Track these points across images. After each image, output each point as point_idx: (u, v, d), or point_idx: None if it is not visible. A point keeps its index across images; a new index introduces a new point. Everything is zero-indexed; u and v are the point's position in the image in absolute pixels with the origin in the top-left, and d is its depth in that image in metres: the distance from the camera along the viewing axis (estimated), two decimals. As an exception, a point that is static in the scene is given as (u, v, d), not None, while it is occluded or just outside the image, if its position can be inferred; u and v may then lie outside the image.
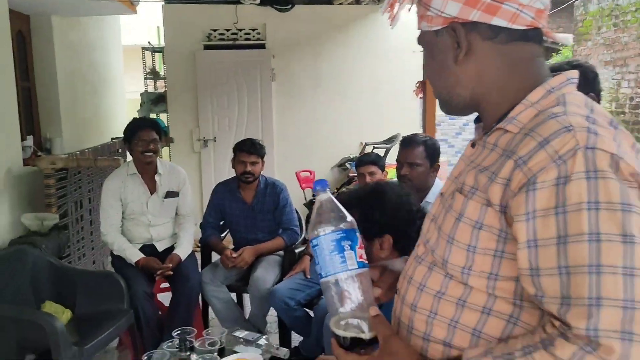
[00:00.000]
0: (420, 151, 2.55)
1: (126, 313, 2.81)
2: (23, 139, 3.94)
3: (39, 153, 4.23)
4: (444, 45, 0.91)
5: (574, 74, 0.90)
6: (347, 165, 5.68)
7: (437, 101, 1.00)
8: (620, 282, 0.70)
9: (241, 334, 2.12)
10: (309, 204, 5.34)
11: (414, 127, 5.39)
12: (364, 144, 5.84)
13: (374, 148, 5.47)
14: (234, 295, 3.34)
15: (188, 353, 1.97)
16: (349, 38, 5.99)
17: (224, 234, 3.59)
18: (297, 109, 6.05)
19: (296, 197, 5.24)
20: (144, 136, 3.14)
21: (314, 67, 6.01)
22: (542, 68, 0.90)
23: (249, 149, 3.24)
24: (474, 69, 0.90)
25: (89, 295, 2.91)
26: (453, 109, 0.96)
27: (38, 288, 2.89)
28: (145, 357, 1.93)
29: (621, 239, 0.71)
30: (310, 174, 5.76)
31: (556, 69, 1.73)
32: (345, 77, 6.02)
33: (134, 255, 3.08)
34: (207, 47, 5.88)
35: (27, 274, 2.87)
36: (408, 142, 2.58)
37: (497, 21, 0.86)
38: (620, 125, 0.83)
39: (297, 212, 3.47)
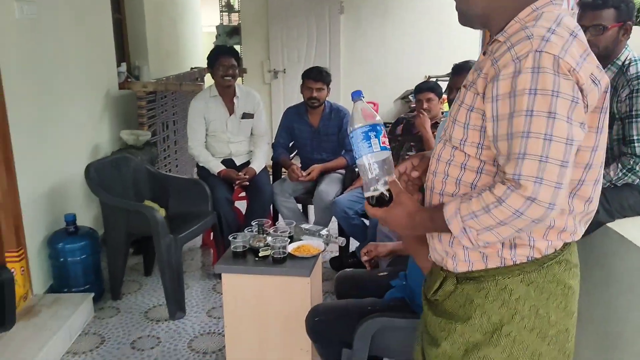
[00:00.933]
0: None
1: (210, 214, 3.31)
2: (117, 65, 4.44)
3: (130, 78, 4.74)
4: None
5: None
6: (410, 97, 5.88)
7: None
8: (541, 144, 0.99)
9: (306, 226, 2.54)
10: (371, 134, 5.63)
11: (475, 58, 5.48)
12: (427, 76, 6.00)
13: (437, 80, 5.63)
14: (300, 207, 3.78)
15: (264, 235, 2.42)
16: (418, -29, 6.03)
17: (292, 155, 4.00)
18: (364, 42, 6.25)
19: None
20: (224, 62, 3.53)
21: (382, 1, 6.14)
22: None
23: (315, 76, 3.58)
24: None
25: (179, 199, 3.43)
26: (467, 20, 1.22)
27: (139, 189, 3.43)
28: (231, 237, 2.40)
29: (547, 115, 0.99)
30: (374, 105, 6.03)
31: None
32: (412, 9, 6.11)
33: (216, 166, 3.56)
34: (278, -19, 6.12)
35: (130, 177, 3.41)
36: (459, 69, 2.81)
37: None
38: (582, 36, 1.09)
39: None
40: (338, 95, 6.17)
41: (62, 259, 3.02)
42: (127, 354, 2.66)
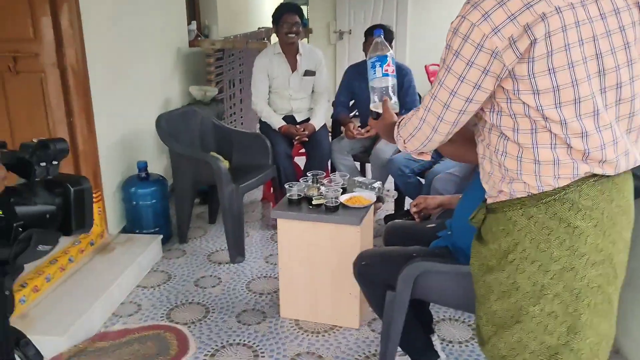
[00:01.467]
0: None
1: (270, 167, 3.46)
2: (188, 24, 4.62)
3: (200, 36, 4.92)
4: None
5: None
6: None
7: None
8: (436, 86, 1.25)
9: (359, 179, 2.63)
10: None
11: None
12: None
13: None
14: (357, 165, 3.86)
15: (318, 185, 2.52)
16: None
17: (352, 114, 4.06)
18: (430, 5, 6.12)
19: (425, 90, 5.52)
20: (288, 19, 3.61)
21: (452, -41, 5.96)
22: None
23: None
24: None
25: (241, 152, 3.59)
26: None
27: (205, 141, 3.63)
28: (287, 185, 2.52)
29: (446, 68, 1.21)
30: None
31: None
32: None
33: (277, 122, 3.69)
34: (347, -60, 6.07)
35: (197, 129, 3.61)
36: None
37: None
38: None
39: (419, 95, 3.81)
40: (404, 56, 6.15)
41: (134, 202, 3.27)
42: (190, 290, 2.89)
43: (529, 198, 1.21)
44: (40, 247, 0.91)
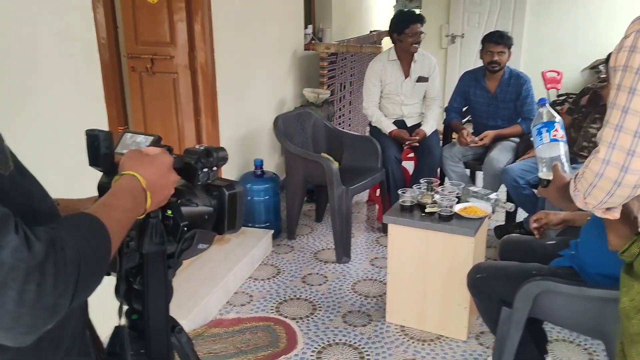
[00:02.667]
0: None
1: (379, 170, 3.48)
2: (304, 27, 4.77)
3: (314, 40, 5.06)
4: None
5: None
6: (600, 67, 5.38)
7: None
8: (619, 115, 1.09)
9: (475, 188, 2.58)
10: (552, 105, 5.31)
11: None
12: (624, 46, 5.41)
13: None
14: (468, 172, 3.78)
15: (432, 193, 2.51)
16: None
17: (465, 120, 3.98)
18: (553, 7, 5.82)
19: (540, 96, 5.27)
20: (415, 29, 3.61)
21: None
22: None
23: (497, 40, 3.49)
24: None
25: (352, 154, 3.66)
26: None
27: (317, 142, 3.74)
28: (400, 191, 2.54)
29: (629, 90, 1.07)
30: (558, 74, 5.64)
31: None
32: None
33: (388, 126, 3.71)
34: (465, -58, 5.93)
35: (310, 131, 3.73)
36: None
37: None
38: None
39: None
40: (518, 62, 5.90)
41: (249, 198, 3.45)
42: (298, 286, 3.00)
43: None
44: (200, 246, 1.00)
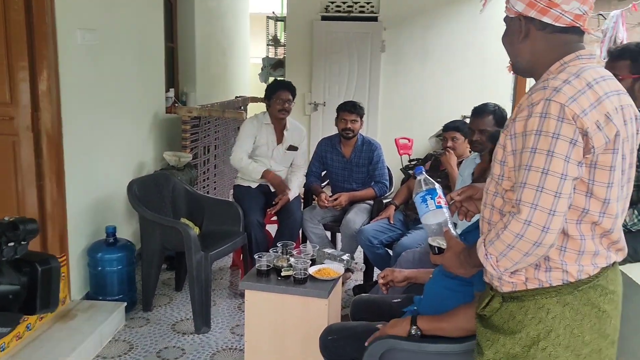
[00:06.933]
0: (489, 119, 2.87)
1: (241, 234, 3.46)
2: (166, 91, 4.73)
3: (177, 103, 5.02)
4: (514, 28, 1.37)
5: (586, 52, 1.31)
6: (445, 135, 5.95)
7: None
8: (539, 176, 1.17)
9: (329, 250, 2.65)
10: (405, 169, 5.73)
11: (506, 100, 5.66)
12: (463, 116, 6.07)
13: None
14: (328, 234, 3.89)
15: (288, 256, 2.54)
16: (459, 15, 6.20)
17: (324, 184, 4.14)
18: (403, 79, 6.41)
19: (395, 161, 5.68)
20: (282, 96, 3.74)
21: (422, 40, 6.31)
22: (577, 49, 1.31)
23: (350, 109, 3.74)
24: (529, 47, 1.35)
25: (213, 218, 3.60)
26: (518, 71, 1.45)
27: (176, 207, 3.63)
28: (257, 256, 2.53)
29: (547, 152, 1.16)
30: (409, 141, 6.14)
31: (621, 46, 2.06)
32: (452, 50, 6.25)
33: (257, 171, 3.74)
34: (324, 18, 6.39)
35: (169, 195, 3.61)
36: (478, 111, 2.91)
37: (546, 19, 1.31)
38: (598, 87, 1.21)
39: (388, 168, 3.93)
40: (375, 129, 6.36)
41: (99, 268, 3.21)
42: (152, 361, 2.80)
43: (564, 286, 1.26)
44: None
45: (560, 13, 1.28)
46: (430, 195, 1.55)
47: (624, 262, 1.99)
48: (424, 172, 1.63)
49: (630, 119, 1.28)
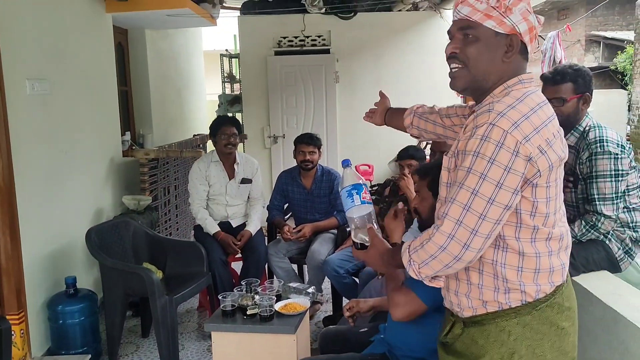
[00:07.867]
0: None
1: (205, 275, 3.41)
2: (122, 134, 4.68)
3: (134, 146, 4.98)
4: (498, 44, 1.30)
5: (528, 76, 1.33)
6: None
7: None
8: (468, 195, 1.21)
9: (294, 284, 2.65)
10: (367, 195, 5.79)
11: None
12: (418, 142, 6.22)
13: (428, 144, 5.84)
14: (295, 267, 3.88)
15: (252, 294, 2.52)
16: (408, 42, 6.41)
17: (287, 216, 4.15)
18: (359, 107, 6.48)
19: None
20: (226, 131, 3.75)
21: (375, 69, 6.48)
22: (520, 73, 1.33)
23: (307, 141, 3.79)
24: (506, 67, 1.31)
25: (176, 260, 3.54)
26: (467, 89, 1.37)
27: (138, 252, 3.56)
28: (221, 296, 2.51)
29: (480, 175, 1.19)
30: (369, 167, 6.23)
31: (558, 71, 2.18)
32: (404, 78, 6.43)
33: (212, 227, 3.70)
34: (277, 53, 6.49)
35: (129, 240, 3.55)
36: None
37: (529, 46, 1.33)
38: (541, 112, 1.26)
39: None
40: (335, 157, 6.42)
41: (60, 321, 3.11)
42: (120, 414, 2.71)
43: (523, 306, 1.28)
44: None
45: (534, 34, 1.32)
46: (357, 190, 1.55)
47: (577, 272, 2.08)
48: (350, 166, 1.64)
49: (563, 141, 1.34)
